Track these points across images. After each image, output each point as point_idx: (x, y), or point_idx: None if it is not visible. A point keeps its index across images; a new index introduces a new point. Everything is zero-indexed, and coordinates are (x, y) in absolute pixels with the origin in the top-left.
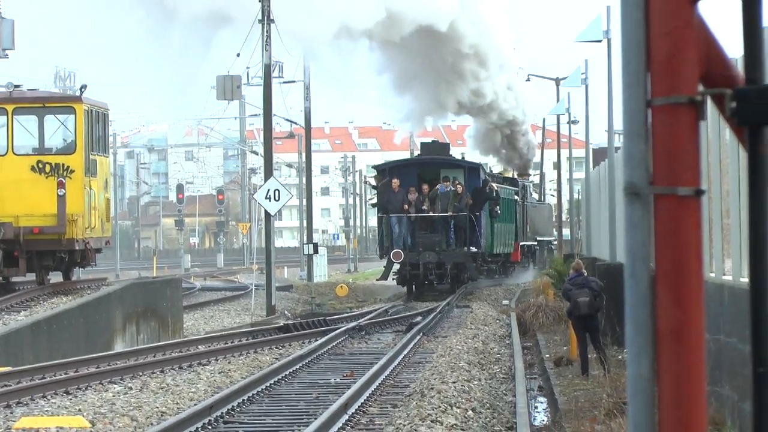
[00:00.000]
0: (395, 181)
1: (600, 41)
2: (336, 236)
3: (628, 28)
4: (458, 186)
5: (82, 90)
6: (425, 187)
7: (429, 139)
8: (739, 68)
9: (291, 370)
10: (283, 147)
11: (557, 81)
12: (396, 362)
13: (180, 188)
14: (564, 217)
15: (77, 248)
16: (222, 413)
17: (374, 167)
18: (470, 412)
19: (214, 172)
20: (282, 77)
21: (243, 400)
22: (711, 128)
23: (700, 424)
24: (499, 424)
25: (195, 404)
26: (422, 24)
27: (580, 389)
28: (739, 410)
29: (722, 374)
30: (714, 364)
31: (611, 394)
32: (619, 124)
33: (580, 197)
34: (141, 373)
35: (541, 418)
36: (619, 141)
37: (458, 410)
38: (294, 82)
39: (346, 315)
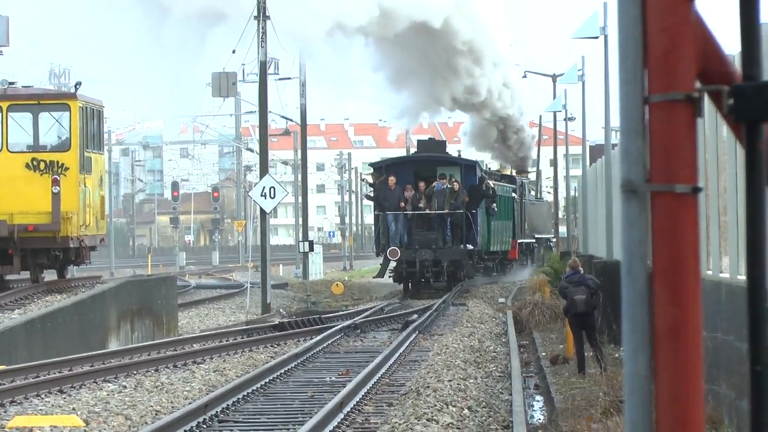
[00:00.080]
0: (392, 179)
1: (597, 38)
2: (331, 234)
3: (624, 25)
4: (455, 183)
5: (77, 87)
6: (422, 184)
7: (425, 136)
8: (737, 65)
9: (286, 369)
10: (278, 144)
11: (554, 78)
12: (392, 361)
13: (175, 185)
14: (560, 214)
15: (72, 246)
16: (217, 412)
17: (371, 165)
18: (466, 410)
19: (210, 169)
20: (278, 74)
21: (238, 398)
22: (708, 125)
23: (697, 423)
24: (495, 423)
25: (190, 403)
26: (416, 20)
27: (576, 387)
28: (737, 408)
29: (720, 372)
30: (711, 362)
31: (608, 393)
32: (616, 120)
33: (576, 194)
34: (135, 372)
35: (538, 416)
36: (616, 138)
37: (454, 409)
38: (290, 78)
39: (341, 313)
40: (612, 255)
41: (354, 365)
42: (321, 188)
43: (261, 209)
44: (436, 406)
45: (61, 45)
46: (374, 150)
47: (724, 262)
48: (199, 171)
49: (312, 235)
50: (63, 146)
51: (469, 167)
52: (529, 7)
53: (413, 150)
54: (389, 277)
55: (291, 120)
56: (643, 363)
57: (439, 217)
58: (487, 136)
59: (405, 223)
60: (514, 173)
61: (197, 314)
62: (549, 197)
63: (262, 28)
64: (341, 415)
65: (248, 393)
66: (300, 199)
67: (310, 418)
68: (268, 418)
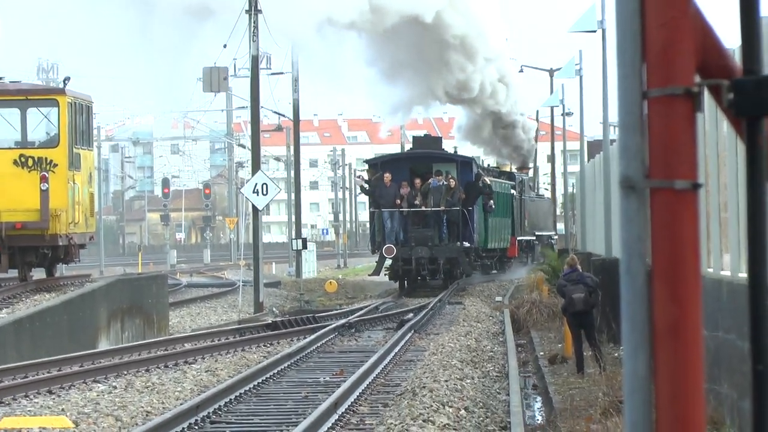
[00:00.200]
0: (387, 176)
1: (594, 32)
2: (325, 231)
3: (623, 18)
4: (451, 180)
5: (66, 82)
6: (417, 181)
7: (421, 132)
8: (737, 59)
9: (279, 369)
10: (270, 140)
11: (551, 72)
12: (387, 360)
13: (165, 182)
14: (558, 211)
15: (61, 244)
16: (209, 413)
17: (366, 161)
18: (463, 411)
19: (201, 165)
20: (270, 69)
21: (230, 399)
22: (708, 120)
23: (698, 423)
24: (492, 423)
25: (181, 404)
26: (406, 15)
27: (575, 387)
28: (739, 409)
29: (721, 372)
30: (712, 362)
31: (607, 393)
32: (614, 115)
33: (574, 191)
34: (126, 372)
35: (536, 417)
36: (614, 133)
37: (451, 409)
38: (282, 73)
39: (335, 312)
40: (611, 252)
41: (348, 365)
42: (314, 185)
43: (253, 206)
44: (432, 406)
45: (49, 39)
46: (368, 146)
47: (725, 260)
48: (190, 167)
49: (305, 232)
50: (51, 142)
51: (465, 164)
52: (525, 0)
53: (408, 146)
54: (385, 274)
55: (283, 115)
56: (643, 362)
57: (435, 215)
58: (481, 131)
59: (401, 221)
60: (514, 170)
61: (188, 313)
62: (546, 194)
63: (254, 22)
64: (336, 416)
65: (241, 393)
66: (293, 196)
67: (304, 419)
68: (261, 419)
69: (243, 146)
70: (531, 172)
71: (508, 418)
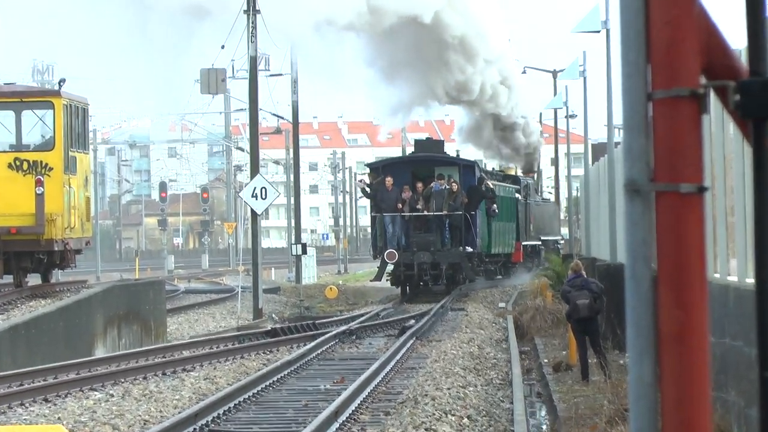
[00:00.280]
0: (389, 180)
1: (598, 32)
2: (325, 236)
3: (627, 18)
4: (453, 184)
5: (61, 84)
6: (419, 185)
7: (422, 135)
8: (743, 59)
9: (279, 376)
10: (269, 143)
11: (554, 73)
12: (388, 368)
13: (163, 186)
14: (562, 215)
15: (56, 249)
16: (207, 421)
17: (367, 165)
18: (466, 419)
19: (199, 169)
20: (268, 70)
21: (229, 407)
22: (714, 122)
23: (704, 431)
24: None
25: (179, 412)
26: (404, 15)
27: (580, 395)
28: (746, 416)
29: (728, 379)
30: (719, 369)
31: (612, 401)
32: (618, 118)
33: (578, 195)
34: (123, 380)
35: (540, 425)
36: (618, 136)
37: (453, 418)
38: (281, 75)
39: (336, 318)
40: (616, 257)
41: (349, 373)
42: (314, 189)
43: (252, 211)
44: (434, 414)
45: (44, 41)
46: (369, 149)
47: (731, 265)
48: (187, 171)
49: (305, 237)
50: (47, 145)
51: (467, 167)
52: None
53: (409, 149)
54: (386, 280)
55: (283, 118)
56: (648, 369)
57: (438, 219)
58: (481, 133)
59: (402, 225)
60: (519, 173)
61: (186, 320)
62: (550, 197)
63: (252, 23)
64: (336, 425)
65: (240, 401)
66: (292, 200)
67: (304, 427)
68: (260, 428)
69: (241, 149)
70: (534, 176)
71: (512, 427)
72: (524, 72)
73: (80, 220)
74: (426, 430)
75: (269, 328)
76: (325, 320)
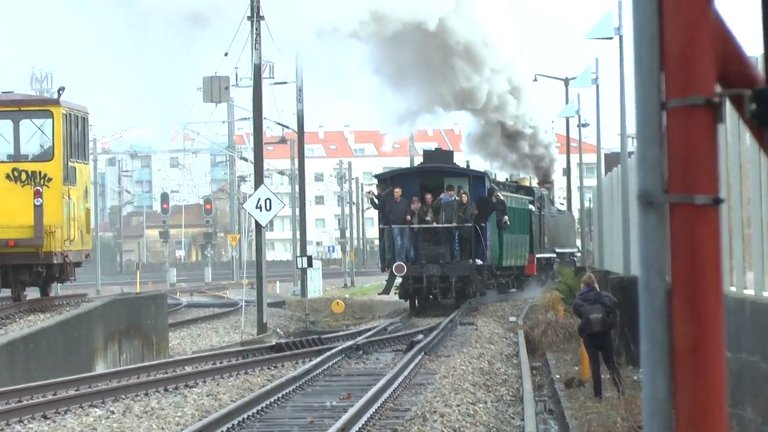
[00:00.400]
0: (397, 191)
1: (611, 39)
2: (331, 248)
3: (640, 25)
4: (463, 195)
5: (60, 92)
6: (428, 196)
7: (431, 145)
8: (759, 67)
9: (284, 393)
10: (274, 153)
11: (566, 81)
12: (396, 384)
13: (165, 197)
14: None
15: (55, 262)
16: None
17: (375, 176)
18: None
19: (201, 180)
20: (273, 78)
21: (233, 425)
22: (730, 131)
23: None
24: None
25: (182, 429)
26: (408, 22)
27: (592, 412)
28: None
29: (744, 395)
30: (735, 385)
31: (626, 417)
32: (632, 127)
33: (591, 206)
34: (124, 396)
35: None
36: (632, 145)
37: None
38: (285, 83)
39: (342, 333)
40: (629, 270)
41: (356, 389)
42: (320, 200)
43: (256, 222)
44: None
45: (43, 48)
46: (376, 159)
47: (748, 278)
48: (190, 182)
49: (310, 249)
50: (45, 156)
51: (477, 178)
52: (539, 6)
53: (417, 158)
54: (395, 293)
55: (287, 127)
56: (662, 385)
57: (447, 231)
58: (488, 142)
59: (411, 237)
60: (534, 184)
61: (189, 334)
62: (561, 208)
63: (256, 30)
64: None
65: (244, 419)
66: (297, 212)
67: None
68: None
69: (245, 159)
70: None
71: None
72: (535, 80)
73: (80, 232)
74: None
75: (274, 343)
76: (331, 335)
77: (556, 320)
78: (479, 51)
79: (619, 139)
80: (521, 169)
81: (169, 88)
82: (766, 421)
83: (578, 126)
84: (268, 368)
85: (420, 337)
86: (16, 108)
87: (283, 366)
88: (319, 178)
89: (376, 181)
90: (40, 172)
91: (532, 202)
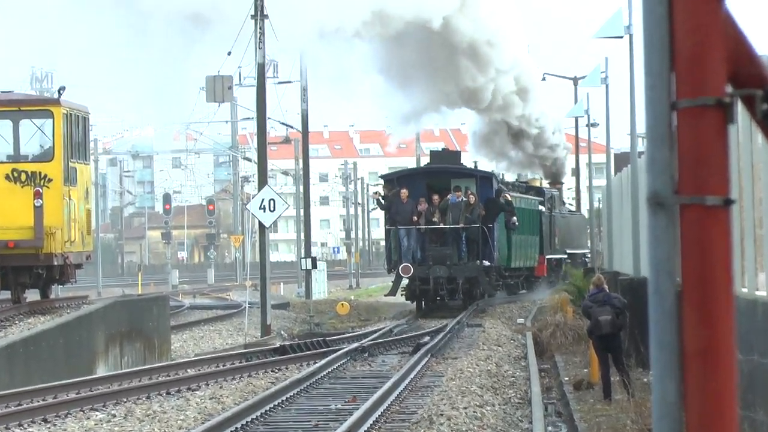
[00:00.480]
0: (404, 192)
1: (621, 38)
2: (336, 249)
3: (650, 24)
4: (470, 196)
5: (61, 92)
6: (435, 197)
7: (438, 145)
8: None
9: (288, 396)
10: (278, 153)
11: (575, 80)
12: (402, 386)
13: (167, 198)
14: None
15: (56, 263)
16: None
17: (381, 177)
18: None
19: (204, 180)
20: (277, 77)
21: (236, 428)
22: (742, 131)
23: None
24: None
25: None
26: (412, 22)
27: (602, 415)
28: None
29: (756, 398)
30: (746, 387)
31: (636, 420)
32: (642, 127)
33: (600, 206)
34: (125, 399)
35: None
36: (642, 145)
37: None
38: (290, 82)
39: (347, 335)
40: (639, 272)
41: (361, 391)
42: (324, 200)
43: (260, 223)
44: None
45: (43, 47)
46: (382, 159)
47: (760, 279)
48: (192, 182)
49: (315, 251)
50: (46, 156)
51: (485, 179)
52: (544, 3)
53: (424, 158)
54: (401, 294)
55: (292, 127)
56: (672, 387)
57: (454, 232)
58: (494, 139)
59: (418, 238)
60: (545, 184)
61: (191, 337)
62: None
63: (260, 28)
64: None
65: (247, 422)
66: (302, 212)
67: None
68: None
69: (249, 159)
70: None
71: None
72: (544, 79)
73: (81, 234)
74: None
75: (278, 346)
76: (336, 337)
77: (565, 322)
78: (484, 51)
79: (629, 139)
80: (529, 169)
81: (170, 88)
82: None
83: (587, 126)
84: (272, 371)
85: (426, 339)
86: (16, 108)
87: (287, 368)
88: (323, 178)
89: (381, 181)
90: (40, 173)
91: (542, 203)
